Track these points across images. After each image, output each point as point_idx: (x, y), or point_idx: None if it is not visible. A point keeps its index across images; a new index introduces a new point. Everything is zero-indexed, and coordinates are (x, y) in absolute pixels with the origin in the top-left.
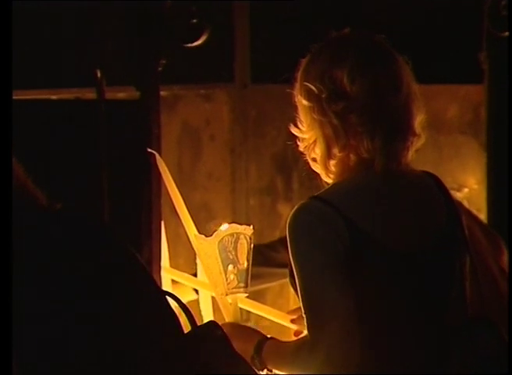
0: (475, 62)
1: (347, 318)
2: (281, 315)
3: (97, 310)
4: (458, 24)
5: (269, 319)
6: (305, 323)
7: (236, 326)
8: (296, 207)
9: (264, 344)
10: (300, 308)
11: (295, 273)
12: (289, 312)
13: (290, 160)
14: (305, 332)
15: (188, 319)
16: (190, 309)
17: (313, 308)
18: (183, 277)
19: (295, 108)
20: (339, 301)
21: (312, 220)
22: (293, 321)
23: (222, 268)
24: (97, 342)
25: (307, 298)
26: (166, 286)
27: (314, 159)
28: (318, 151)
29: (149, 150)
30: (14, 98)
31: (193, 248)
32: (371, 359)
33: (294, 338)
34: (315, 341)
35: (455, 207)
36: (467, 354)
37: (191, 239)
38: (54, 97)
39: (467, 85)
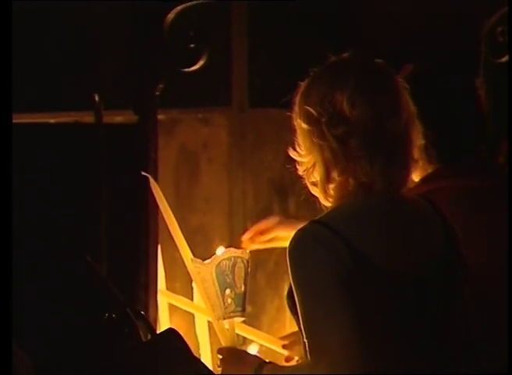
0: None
1: (349, 341)
2: (273, 340)
3: None
4: (455, 50)
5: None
6: (306, 346)
7: (234, 351)
8: (296, 231)
9: (264, 368)
10: (292, 334)
11: (296, 297)
12: (282, 338)
13: (287, 184)
14: (296, 358)
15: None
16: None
17: (314, 332)
18: (180, 301)
19: (294, 131)
20: (341, 325)
21: (313, 244)
22: (284, 347)
23: (219, 292)
24: None
25: (308, 322)
26: (163, 309)
27: (313, 183)
28: (317, 175)
29: (143, 173)
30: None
31: (189, 272)
32: None
33: (285, 364)
34: (317, 364)
35: (452, 230)
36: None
37: (187, 263)
38: (52, 120)
39: None
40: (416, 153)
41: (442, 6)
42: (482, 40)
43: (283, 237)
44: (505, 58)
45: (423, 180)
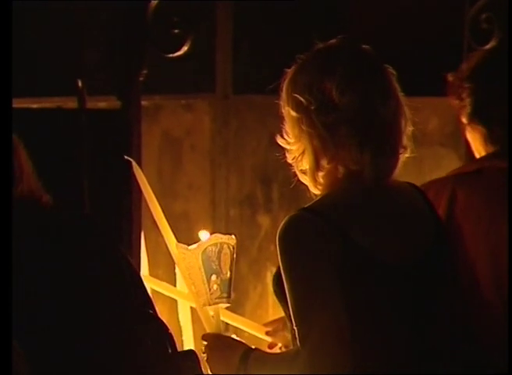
0: None
1: (339, 328)
2: (257, 327)
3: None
4: (439, 37)
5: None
6: (296, 333)
7: (219, 337)
8: (286, 218)
9: (251, 355)
10: (275, 320)
11: (285, 284)
12: (265, 325)
13: (271, 171)
14: (280, 344)
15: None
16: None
17: (304, 319)
18: (163, 286)
19: (281, 119)
20: (332, 312)
21: (304, 231)
22: (268, 333)
23: (205, 278)
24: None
25: (298, 309)
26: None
27: (302, 171)
28: (306, 163)
29: (126, 157)
30: None
31: (172, 258)
32: (361, 369)
33: (268, 350)
34: (306, 352)
35: (439, 218)
36: (453, 364)
37: (171, 249)
38: (35, 105)
39: (447, 98)
40: (405, 140)
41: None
42: (466, 26)
43: None
44: (489, 45)
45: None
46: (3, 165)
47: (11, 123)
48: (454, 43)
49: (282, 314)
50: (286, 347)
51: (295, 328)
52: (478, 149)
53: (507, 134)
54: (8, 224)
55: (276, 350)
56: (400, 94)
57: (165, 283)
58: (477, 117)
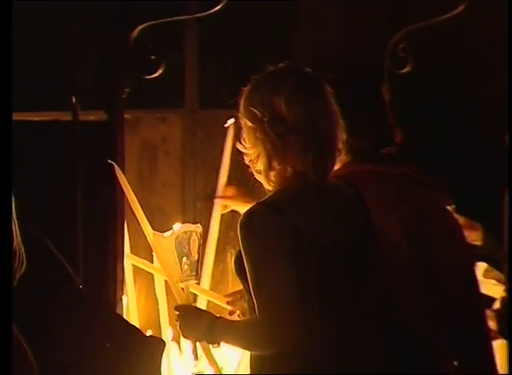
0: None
1: (290, 301)
2: (219, 297)
3: None
4: (365, 62)
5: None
6: (255, 305)
7: (189, 308)
8: (246, 211)
9: (216, 322)
10: (234, 292)
11: (245, 264)
12: (226, 296)
13: (230, 172)
14: (238, 312)
15: None
16: None
17: (261, 293)
18: (142, 263)
19: (240, 128)
20: (283, 288)
21: (260, 222)
22: (228, 303)
23: (177, 260)
24: None
25: (256, 285)
26: (128, 269)
27: (257, 171)
28: (260, 165)
29: (109, 161)
30: None
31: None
32: (307, 335)
33: (229, 317)
34: (263, 319)
35: (368, 210)
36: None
37: (148, 236)
38: (36, 118)
39: None
40: (340, 145)
41: (356, 31)
42: (386, 54)
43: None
44: (405, 70)
45: (346, 164)
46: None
47: (11, 134)
48: (377, 67)
49: (240, 288)
50: (242, 314)
51: (254, 300)
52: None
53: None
54: (9, 224)
55: (235, 317)
56: (336, 108)
57: (144, 261)
58: None
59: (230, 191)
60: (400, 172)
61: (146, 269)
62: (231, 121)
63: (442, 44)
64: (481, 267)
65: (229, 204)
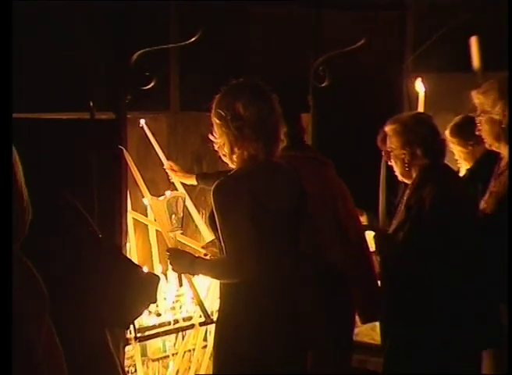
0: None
1: (248, 245)
2: (197, 244)
3: None
4: (295, 79)
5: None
6: (223, 250)
7: (176, 250)
8: (217, 181)
9: (195, 260)
10: (208, 242)
11: (217, 220)
12: (203, 245)
13: (202, 156)
14: (209, 255)
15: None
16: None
17: (228, 242)
18: (141, 217)
19: (211, 124)
20: (243, 236)
21: (227, 190)
22: (202, 247)
23: (168, 216)
24: None
25: (224, 236)
26: (130, 222)
27: (223, 155)
28: (226, 150)
29: (120, 146)
30: (37, 117)
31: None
32: (259, 268)
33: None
34: (230, 259)
35: (302, 185)
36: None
37: (147, 199)
38: (64, 117)
39: (304, 114)
40: (282, 136)
41: (291, 57)
42: (311, 73)
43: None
44: (324, 84)
45: (284, 149)
46: (3, 165)
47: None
48: (303, 83)
49: (213, 238)
50: (213, 256)
51: (222, 245)
52: None
53: None
54: (9, 224)
55: (207, 257)
56: (279, 110)
57: (142, 215)
58: None
59: (176, 167)
60: (314, 156)
61: (144, 221)
62: (143, 121)
63: (349, 66)
64: (369, 234)
65: (173, 175)
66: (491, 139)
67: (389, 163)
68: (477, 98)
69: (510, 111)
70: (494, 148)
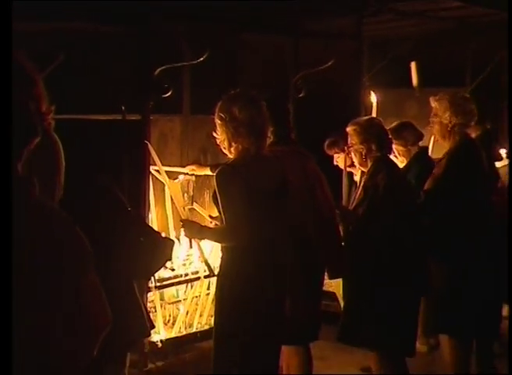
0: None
1: (241, 218)
2: (206, 212)
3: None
4: (280, 91)
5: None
6: (224, 221)
7: (188, 220)
8: (219, 168)
9: (203, 228)
10: (215, 217)
11: (218, 199)
12: (210, 214)
13: (207, 149)
14: (214, 223)
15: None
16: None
17: (227, 215)
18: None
19: (214, 124)
20: (238, 210)
21: (226, 175)
22: (210, 217)
23: (181, 195)
24: None
25: (224, 211)
26: (152, 199)
27: (224, 148)
28: (225, 144)
29: (146, 142)
30: (78, 117)
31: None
32: (250, 235)
33: (209, 225)
34: (228, 227)
35: (285, 173)
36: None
37: (166, 182)
38: (102, 118)
39: None
40: (268, 133)
41: (277, 73)
42: (291, 86)
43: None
44: (301, 95)
45: (271, 144)
46: (3, 163)
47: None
48: (286, 93)
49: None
50: (215, 225)
51: (222, 217)
52: None
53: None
54: (9, 224)
55: (212, 225)
56: (267, 113)
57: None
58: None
59: (195, 166)
60: (297, 150)
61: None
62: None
63: (320, 81)
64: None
65: (194, 169)
66: (439, 136)
67: (348, 157)
68: (433, 102)
69: (510, 111)
70: (440, 142)
